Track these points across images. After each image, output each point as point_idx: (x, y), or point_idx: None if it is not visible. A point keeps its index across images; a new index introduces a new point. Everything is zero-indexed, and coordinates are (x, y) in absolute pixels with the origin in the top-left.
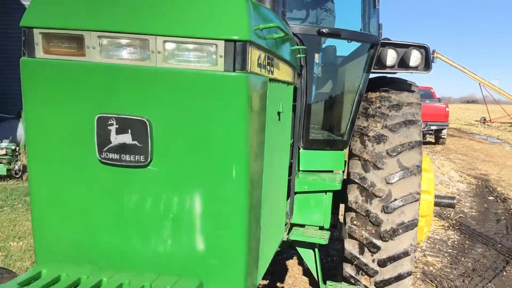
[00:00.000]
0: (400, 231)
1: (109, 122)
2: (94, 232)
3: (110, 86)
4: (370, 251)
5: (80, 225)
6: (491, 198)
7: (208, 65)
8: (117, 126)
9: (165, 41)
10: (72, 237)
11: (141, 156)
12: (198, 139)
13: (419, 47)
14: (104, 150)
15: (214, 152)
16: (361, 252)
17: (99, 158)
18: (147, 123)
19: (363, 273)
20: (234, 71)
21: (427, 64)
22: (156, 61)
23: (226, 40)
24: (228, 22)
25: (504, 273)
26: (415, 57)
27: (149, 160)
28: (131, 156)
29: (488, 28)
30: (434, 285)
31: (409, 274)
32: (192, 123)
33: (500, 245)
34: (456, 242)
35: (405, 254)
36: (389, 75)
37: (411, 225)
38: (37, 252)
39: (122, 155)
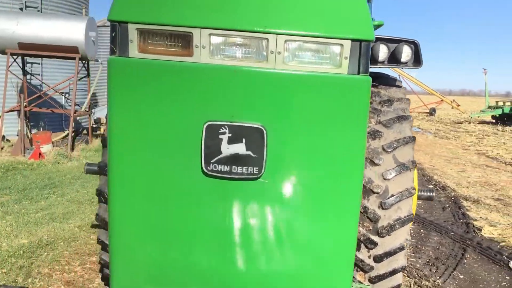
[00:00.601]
0: (397, 226)
1: (221, 131)
2: (189, 252)
3: (221, 90)
4: (367, 247)
5: (172, 245)
6: (430, 186)
7: (330, 67)
8: (230, 135)
9: (286, 41)
10: (160, 259)
11: (255, 168)
12: (315, 146)
13: (409, 42)
14: (212, 161)
15: (332, 160)
16: (358, 248)
17: (205, 171)
18: (264, 131)
19: (358, 269)
20: (358, 73)
21: (417, 59)
22: (275, 63)
23: (352, 40)
24: (354, 21)
25: (465, 260)
26: (406, 53)
27: (262, 171)
28: (244, 168)
29: (405, 18)
30: (405, 274)
31: (403, 268)
32: (309, 130)
33: (452, 233)
34: (412, 231)
35: (401, 249)
36: (374, 70)
37: (407, 220)
38: (114, 277)
39: (233, 166)
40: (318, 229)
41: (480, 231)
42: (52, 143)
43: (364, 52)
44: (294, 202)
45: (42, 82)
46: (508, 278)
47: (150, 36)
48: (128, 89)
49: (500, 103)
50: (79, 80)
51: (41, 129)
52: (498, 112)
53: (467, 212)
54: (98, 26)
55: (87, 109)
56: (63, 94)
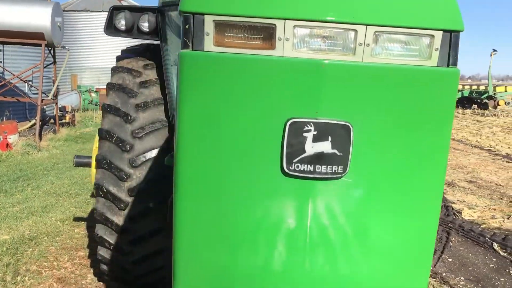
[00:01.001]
0: None
1: (306, 128)
2: (261, 255)
3: (305, 85)
4: None
5: (243, 247)
6: None
7: (419, 59)
8: (315, 132)
9: (376, 32)
10: (230, 262)
11: (339, 167)
12: (400, 142)
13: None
14: (294, 160)
15: (416, 158)
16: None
17: (286, 170)
18: (350, 128)
19: None
20: (448, 66)
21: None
22: (362, 56)
23: (444, 31)
24: (444, 11)
25: (450, 243)
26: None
27: (347, 170)
28: (328, 167)
29: None
30: None
31: None
32: (395, 125)
33: None
34: None
35: None
36: None
37: None
38: (179, 279)
39: (317, 166)
40: (399, 230)
41: (460, 214)
42: (19, 133)
43: (454, 43)
44: (376, 202)
45: (4, 70)
46: (494, 260)
47: (228, 29)
48: (202, 85)
49: (460, 87)
50: (45, 67)
51: (4, 118)
52: (458, 95)
53: (444, 195)
54: (64, 11)
55: (53, 98)
56: (28, 82)
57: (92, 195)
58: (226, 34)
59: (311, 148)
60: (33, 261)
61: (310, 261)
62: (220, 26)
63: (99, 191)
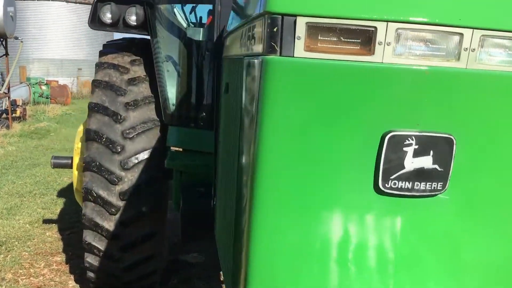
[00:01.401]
0: None
1: (406, 142)
2: (350, 278)
3: (406, 95)
4: None
5: (329, 270)
6: None
7: None
8: (416, 146)
9: (482, 36)
10: (314, 283)
11: (439, 183)
12: (505, 158)
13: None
14: (392, 177)
15: None
16: None
17: (381, 188)
18: (453, 140)
19: None
20: None
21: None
22: (467, 62)
23: None
24: None
25: None
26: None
27: (446, 187)
28: (427, 183)
29: None
30: None
31: None
32: (498, 136)
33: None
34: None
35: None
36: None
37: None
38: None
39: (415, 182)
40: (496, 251)
41: None
42: None
43: None
44: (473, 221)
45: None
46: None
47: (322, 32)
48: (291, 94)
49: None
50: None
51: None
52: None
53: None
54: (16, 0)
55: (6, 91)
56: None
57: (59, 195)
58: (319, 38)
59: (411, 163)
60: (7, 268)
61: (400, 283)
62: (313, 29)
63: (88, 195)
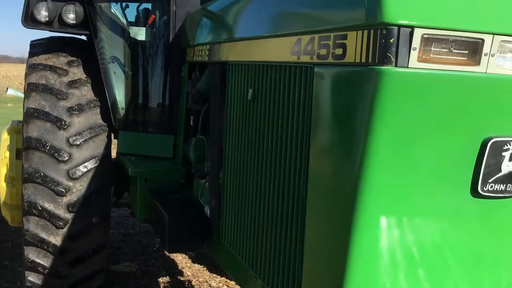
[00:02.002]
0: None
1: (505, 147)
2: (447, 282)
3: (506, 103)
4: None
5: (426, 274)
6: None
7: None
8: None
9: None
10: None
11: None
12: None
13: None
14: (489, 181)
15: None
16: None
17: (480, 191)
18: None
19: None
20: None
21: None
22: None
23: None
24: None
25: None
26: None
27: None
28: None
29: None
30: None
31: None
32: None
33: None
34: None
35: None
36: None
37: None
38: None
39: (508, 184)
40: None
41: None
42: None
43: None
44: None
45: None
46: None
47: (436, 43)
48: (403, 103)
49: None
50: None
51: None
52: None
53: None
54: None
55: None
56: None
57: None
58: (431, 49)
59: (507, 167)
60: None
61: (496, 281)
62: (428, 41)
63: (31, 209)
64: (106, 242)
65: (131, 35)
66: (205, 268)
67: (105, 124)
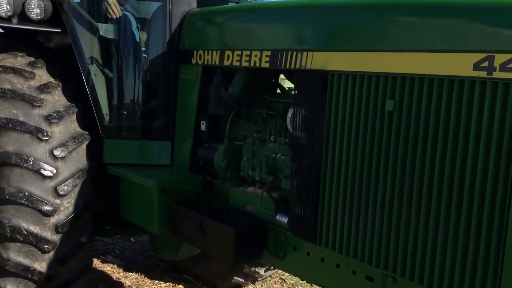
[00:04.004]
0: None
1: None
2: None
3: None
4: None
5: None
6: None
7: None
8: None
9: None
10: None
11: None
12: None
13: None
14: None
15: None
16: None
17: None
18: None
19: None
20: None
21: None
22: None
23: None
24: None
25: None
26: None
27: None
28: None
29: None
30: None
31: None
32: None
33: None
34: None
35: None
36: None
37: None
38: None
39: None
40: None
41: None
42: None
43: None
44: None
45: None
46: None
47: None
48: None
49: None
50: None
51: None
52: None
53: None
54: None
55: None
56: None
57: None
58: None
59: None
60: None
61: None
62: None
63: (15, 234)
64: (90, 261)
65: (115, 33)
66: (143, 276)
67: (87, 132)
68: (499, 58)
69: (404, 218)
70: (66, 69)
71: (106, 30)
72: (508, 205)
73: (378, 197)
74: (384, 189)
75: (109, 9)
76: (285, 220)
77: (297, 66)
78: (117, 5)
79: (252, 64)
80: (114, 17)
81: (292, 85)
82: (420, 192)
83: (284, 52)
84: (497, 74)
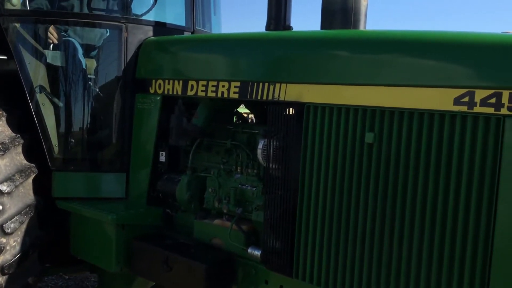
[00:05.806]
0: None
1: None
2: None
3: None
4: None
5: None
6: None
7: None
8: None
9: None
10: None
11: None
12: None
13: None
14: None
15: None
16: None
17: None
18: None
19: None
20: None
21: None
22: None
23: None
24: None
25: None
26: None
27: None
28: None
29: None
30: None
31: None
32: None
33: None
34: None
35: None
36: None
37: None
38: None
39: None
40: None
41: None
42: None
43: None
44: None
45: None
46: None
47: None
48: None
49: None
50: None
51: None
52: None
53: None
54: None
55: None
56: None
57: None
58: None
59: None
60: None
61: None
62: None
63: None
64: None
65: (62, 60)
66: None
67: (34, 165)
68: (480, 94)
69: (386, 251)
70: (10, 97)
71: (53, 57)
72: (492, 239)
73: (359, 229)
74: (364, 221)
75: (49, 34)
76: (258, 253)
77: (270, 98)
78: (55, 30)
79: (219, 95)
80: (55, 42)
81: (246, 111)
82: (402, 225)
83: (255, 84)
84: (477, 109)
